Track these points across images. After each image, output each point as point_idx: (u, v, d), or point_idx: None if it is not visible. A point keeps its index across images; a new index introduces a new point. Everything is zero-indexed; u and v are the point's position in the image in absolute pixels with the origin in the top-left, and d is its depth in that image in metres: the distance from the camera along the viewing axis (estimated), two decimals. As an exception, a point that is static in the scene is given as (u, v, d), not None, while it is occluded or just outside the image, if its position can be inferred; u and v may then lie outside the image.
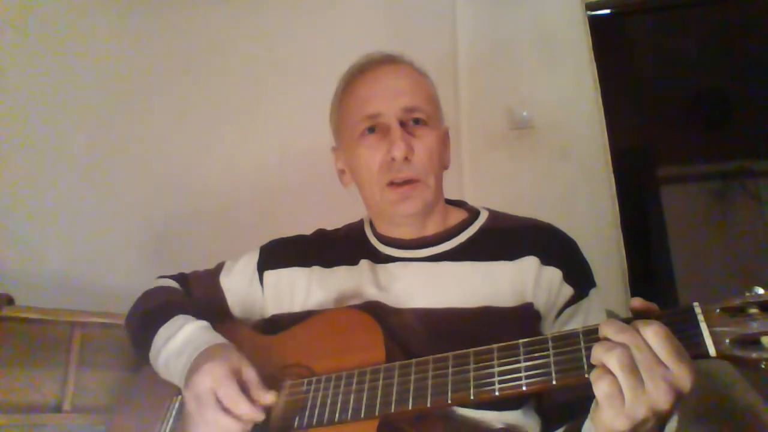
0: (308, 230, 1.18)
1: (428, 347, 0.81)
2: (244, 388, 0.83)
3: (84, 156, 2.06)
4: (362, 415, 0.78)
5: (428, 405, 0.74)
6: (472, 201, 1.13)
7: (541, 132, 2.02)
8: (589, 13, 2.12)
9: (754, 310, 0.61)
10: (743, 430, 1.08)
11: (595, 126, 2.00)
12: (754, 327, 0.60)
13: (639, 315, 0.66)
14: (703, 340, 0.61)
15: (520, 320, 0.91)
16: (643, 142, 3.47)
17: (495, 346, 0.73)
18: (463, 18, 2.15)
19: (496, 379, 0.71)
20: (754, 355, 0.59)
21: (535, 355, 0.70)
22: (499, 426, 0.87)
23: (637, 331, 0.62)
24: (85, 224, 1.99)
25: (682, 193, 3.53)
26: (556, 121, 2.02)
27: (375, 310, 0.94)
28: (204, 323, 0.97)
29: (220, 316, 1.08)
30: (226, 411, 0.81)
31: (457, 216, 1.06)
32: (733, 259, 3.14)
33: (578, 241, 1.01)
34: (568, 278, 0.94)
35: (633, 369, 0.60)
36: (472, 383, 0.72)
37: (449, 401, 0.73)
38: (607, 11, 2.20)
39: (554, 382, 0.67)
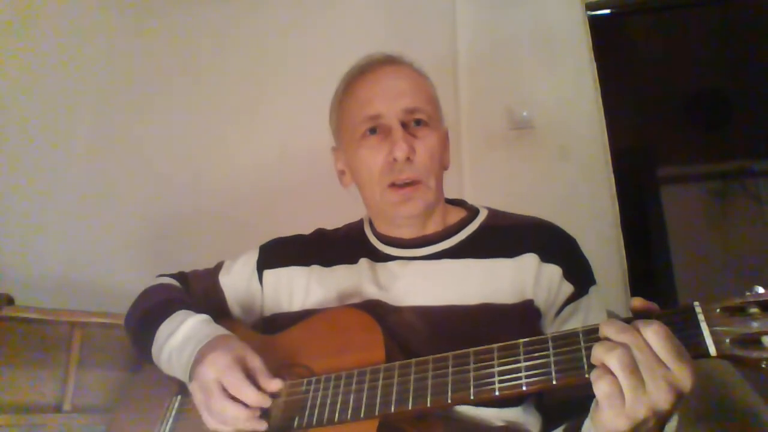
0: (308, 230, 1.18)
1: (428, 345, 0.81)
2: (249, 376, 0.83)
3: (84, 156, 2.07)
4: (362, 415, 0.78)
5: (428, 405, 0.74)
6: (472, 201, 1.13)
7: (541, 132, 2.02)
8: (589, 13, 2.12)
9: (754, 310, 0.61)
10: (743, 430, 1.08)
11: (595, 126, 2.00)
12: (755, 326, 0.60)
13: (639, 315, 0.65)
14: (704, 339, 0.61)
15: (521, 317, 0.91)
16: (643, 142, 3.47)
17: (495, 345, 0.73)
18: (463, 18, 2.15)
19: (496, 378, 0.71)
20: (755, 354, 0.59)
21: (535, 354, 0.70)
22: (500, 423, 0.87)
23: (638, 331, 0.61)
24: (85, 224, 1.99)
25: (682, 193, 3.53)
26: (556, 121, 2.02)
27: (375, 308, 0.94)
28: (205, 316, 0.97)
29: (219, 316, 1.07)
30: (233, 399, 0.81)
31: (457, 214, 1.07)
32: (733, 259, 3.15)
33: (578, 241, 1.01)
34: (568, 275, 0.94)
35: (634, 369, 0.59)
36: (472, 383, 0.72)
37: (449, 401, 0.73)
38: (607, 11, 2.20)
39: (554, 382, 0.67)
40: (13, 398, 1.36)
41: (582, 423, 0.75)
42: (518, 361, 0.70)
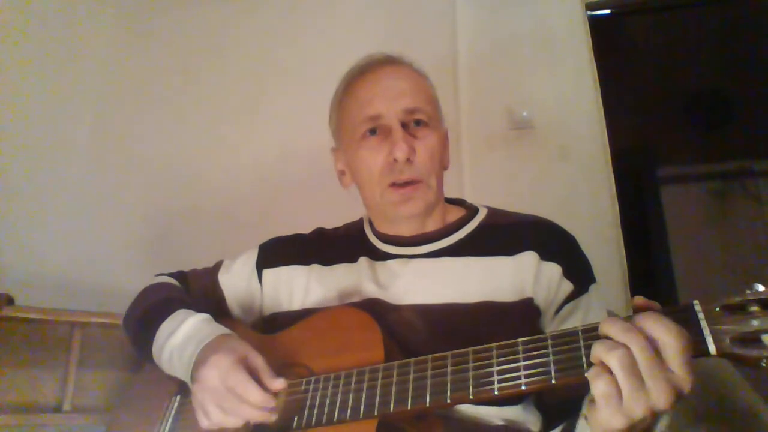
0: (308, 229, 1.18)
1: (428, 344, 0.81)
2: (253, 376, 0.83)
3: (84, 156, 2.07)
4: (361, 415, 0.78)
5: (427, 404, 0.74)
6: (471, 201, 1.13)
7: (541, 132, 2.02)
8: (589, 13, 2.12)
9: (754, 308, 0.60)
10: (743, 430, 1.08)
11: (595, 126, 2.00)
12: (755, 325, 0.59)
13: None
14: (704, 338, 0.61)
15: (520, 315, 0.91)
16: (643, 142, 3.47)
17: (494, 344, 0.73)
18: (463, 18, 2.15)
19: (496, 378, 0.71)
20: (755, 353, 0.58)
21: (535, 353, 0.70)
22: (500, 422, 0.87)
23: (640, 330, 0.61)
24: (85, 224, 1.99)
25: (682, 193, 3.53)
26: (556, 121, 2.02)
27: (374, 307, 0.94)
28: (205, 315, 0.97)
29: (218, 315, 1.07)
30: (240, 399, 0.81)
31: (456, 213, 1.07)
32: (733, 259, 3.14)
33: (578, 241, 1.00)
34: (567, 274, 0.93)
35: (634, 370, 0.59)
36: (471, 382, 0.72)
37: (448, 401, 0.73)
38: (607, 11, 2.20)
39: (554, 381, 0.67)
40: (13, 398, 1.36)
41: (575, 422, 0.75)
42: (517, 360, 0.70)
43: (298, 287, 1.06)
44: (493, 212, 1.07)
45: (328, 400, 0.81)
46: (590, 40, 2.07)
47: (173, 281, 1.14)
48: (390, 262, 1.02)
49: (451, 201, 1.11)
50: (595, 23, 2.12)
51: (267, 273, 1.10)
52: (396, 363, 0.80)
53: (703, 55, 3.25)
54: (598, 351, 0.62)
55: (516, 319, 0.91)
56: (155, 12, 2.29)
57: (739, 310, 0.61)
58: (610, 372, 0.60)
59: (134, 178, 2.12)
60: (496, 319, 0.91)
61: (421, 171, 0.97)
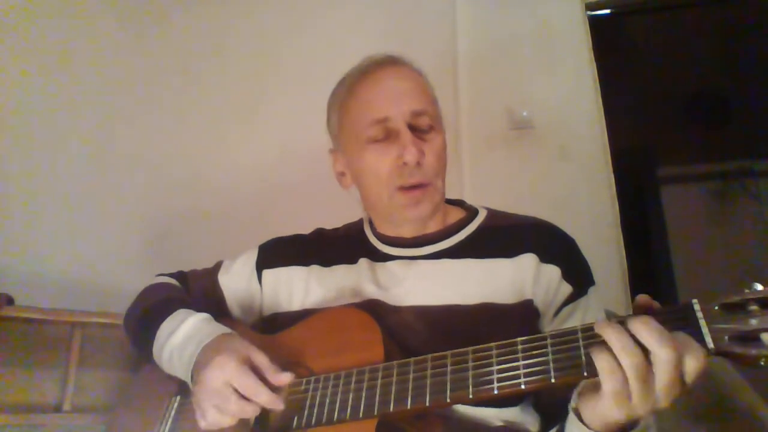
0: (307, 229, 1.18)
1: (427, 345, 0.81)
2: (257, 374, 0.83)
3: (84, 156, 2.06)
4: (361, 415, 0.78)
5: (427, 404, 0.74)
6: (471, 201, 1.13)
7: (541, 132, 2.02)
8: (589, 13, 2.12)
9: (753, 307, 0.61)
10: (743, 430, 1.08)
11: (595, 126, 2.00)
12: (754, 324, 0.60)
13: (640, 312, 0.66)
14: (703, 337, 0.61)
15: (520, 317, 0.91)
16: (643, 142, 3.47)
17: (493, 344, 0.73)
18: (463, 18, 2.15)
19: (495, 377, 0.71)
20: (754, 351, 0.59)
21: (534, 353, 0.70)
22: (499, 423, 0.88)
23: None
24: (85, 224, 1.99)
25: (682, 193, 3.54)
26: (556, 121, 2.02)
27: (374, 308, 0.94)
28: (205, 315, 0.97)
29: (218, 315, 1.07)
30: (248, 400, 0.81)
31: (456, 215, 1.07)
32: (733, 259, 3.15)
33: (578, 241, 1.00)
34: (566, 276, 0.94)
35: (647, 378, 0.60)
36: (470, 382, 0.72)
37: (448, 400, 0.73)
38: (607, 11, 2.20)
39: (553, 380, 0.67)
40: (13, 398, 1.36)
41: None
42: (517, 360, 0.70)
43: (298, 288, 1.06)
44: (492, 214, 1.07)
45: (328, 400, 0.82)
46: (590, 40, 2.07)
47: (173, 281, 1.14)
48: (390, 264, 1.02)
49: (450, 202, 1.11)
50: (595, 23, 2.12)
51: (267, 273, 1.10)
52: (396, 363, 0.80)
53: (703, 55, 3.24)
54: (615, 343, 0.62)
55: (515, 320, 0.91)
56: (155, 12, 2.29)
57: (738, 309, 0.61)
58: (622, 371, 0.61)
59: (134, 178, 2.12)
60: (496, 320, 0.91)
61: (429, 174, 0.97)
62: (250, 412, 0.81)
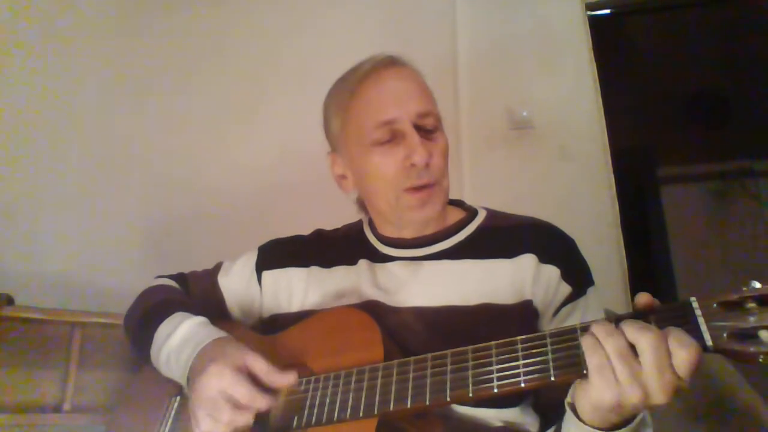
0: (307, 230, 1.18)
1: (427, 346, 0.81)
2: (254, 379, 0.83)
3: (84, 156, 2.06)
4: (361, 414, 0.78)
5: (427, 403, 0.74)
6: (471, 201, 1.13)
7: (541, 132, 2.02)
8: (589, 13, 2.12)
9: (751, 305, 0.61)
10: (743, 429, 1.08)
11: (595, 126, 2.00)
12: (752, 321, 0.60)
13: (640, 311, 0.66)
14: (701, 334, 0.62)
15: (520, 318, 0.91)
16: (643, 142, 3.48)
17: (493, 343, 0.73)
18: (463, 18, 2.15)
19: (495, 376, 0.71)
20: (752, 348, 0.59)
21: (534, 351, 0.70)
22: (499, 424, 0.88)
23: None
24: (85, 224, 1.99)
25: (682, 193, 3.54)
26: (556, 121, 2.02)
27: (373, 309, 0.94)
28: (202, 318, 0.97)
29: (218, 317, 1.08)
30: (244, 408, 0.80)
31: (456, 215, 1.06)
32: (733, 259, 3.15)
33: (578, 241, 1.00)
34: (566, 276, 0.94)
35: (629, 358, 0.62)
36: (470, 381, 0.72)
37: (448, 399, 0.73)
38: (607, 11, 2.20)
39: (553, 379, 0.67)
40: (13, 398, 1.36)
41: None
42: (516, 359, 0.70)
43: (297, 289, 1.06)
44: (492, 214, 1.07)
45: (328, 400, 0.82)
46: (590, 40, 2.07)
47: (173, 283, 1.14)
48: (390, 265, 1.02)
49: (450, 202, 1.10)
50: (595, 23, 2.12)
51: (266, 275, 1.10)
52: (396, 362, 0.80)
53: (703, 55, 3.25)
54: (598, 332, 0.65)
55: (515, 321, 0.91)
56: (155, 12, 2.29)
57: (736, 306, 0.62)
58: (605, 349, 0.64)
59: (134, 179, 2.12)
60: (495, 321, 0.91)
61: (436, 174, 0.97)
62: (243, 422, 0.80)
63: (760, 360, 0.59)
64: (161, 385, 1.01)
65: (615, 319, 0.66)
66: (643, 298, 0.67)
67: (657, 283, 3.27)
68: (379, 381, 0.79)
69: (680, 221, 3.43)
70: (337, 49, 1.72)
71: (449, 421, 0.85)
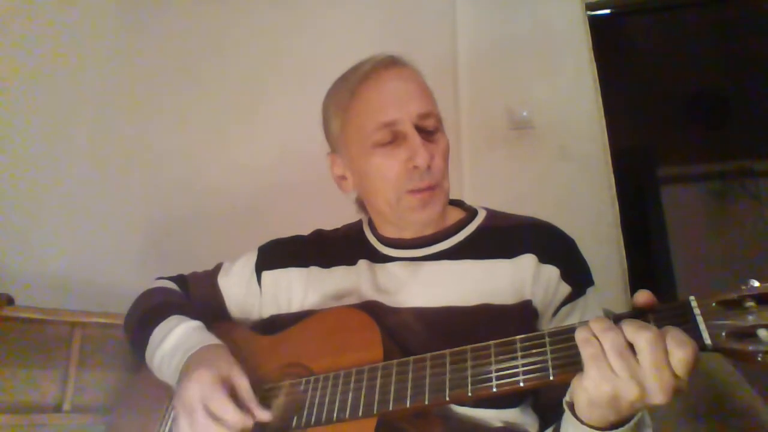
0: (307, 230, 1.18)
1: (427, 346, 0.81)
2: (233, 395, 0.83)
3: (84, 156, 2.07)
4: (360, 414, 0.78)
5: (426, 402, 0.74)
6: (471, 201, 1.13)
7: (541, 132, 2.02)
8: (589, 13, 2.12)
9: (750, 303, 0.61)
10: (742, 429, 1.08)
11: (595, 126, 1.99)
12: (751, 320, 0.60)
13: (639, 310, 0.66)
14: (700, 333, 0.62)
15: (519, 318, 0.91)
16: (643, 142, 3.48)
17: (492, 342, 0.74)
18: (463, 18, 2.15)
19: (494, 375, 0.71)
20: (751, 347, 0.59)
21: (533, 351, 0.70)
22: (498, 424, 0.88)
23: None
24: (85, 224, 1.99)
25: (682, 193, 3.54)
26: (556, 121, 2.02)
27: (373, 309, 0.94)
28: (197, 323, 0.97)
29: (218, 317, 1.08)
30: (216, 419, 0.80)
31: (455, 215, 1.06)
32: (733, 259, 3.14)
33: (578, 241, 1.00)
34: (565, 276, 0.93)
35: (623, 351, 0.63)
36: (469, 380, 0.72)
37: (447, 398, 0.73)
38: (607, 11, 2.20)
39: (551, 378, 0.67)
40: (13, 398, 1.36)
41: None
42: (515, 358, 0.71)
43: (297, 289, 1.06)
44: (491, 214, 1.07)
45: (327, 400, 0.82)
46: (590, 40, 2.07)
47: (173, 285, 1.14)
48: (389, 265, 1.02)
49: (450, 202, 1.10)
50: (595, 23, 2.12)
51: (266, 275, 1.10)
52: (395, 362, 0.80)
53: (703, 55, 3.25)
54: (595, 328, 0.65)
55: (515, 321, 0.91)
56: (155, 12, 2.29)
57: (734, 305, 0.62)
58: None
59: (134, 179, 2.12)
60: (495, 321, 0.91)
61: (438, 175, 0.97)
62: None
63: (759, 359, 0.59)
64: (161, 385, 1.01)
65: (614, 319, 0.66)
66: (642, 296, 0.67)
67: (657, 283, 3.26)
68: (378, 381, 0.79)
69: (680, 221, 3.42)
70: (337, 49, 1.72)
71: (449, 422, 0.85)
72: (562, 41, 2.09)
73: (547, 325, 0.93)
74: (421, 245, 1.02)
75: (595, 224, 1.89)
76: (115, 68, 2.20)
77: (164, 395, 1.01)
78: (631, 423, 0.68)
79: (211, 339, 0.94)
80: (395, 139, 0.96)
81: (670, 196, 3.52)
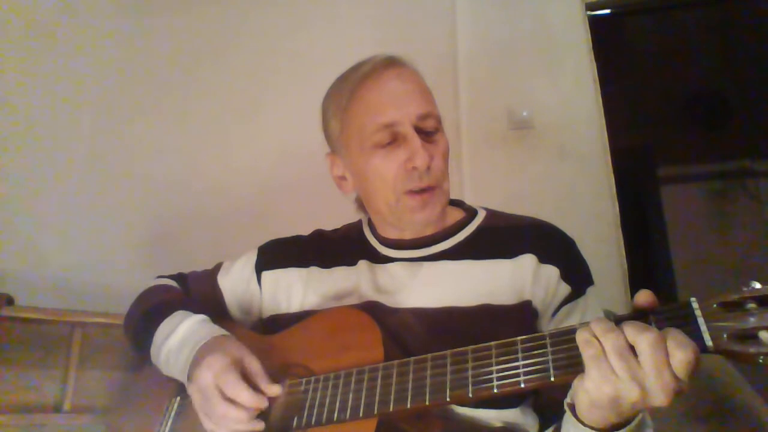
0: (307, 231, 1.18)
1: (427, 346, 0.81)
2: (246, 378, 0.83)
3: (84, 156, 2.07)
4: (361, 414, 0.78)
5: (427, 403, 0.74)
6: (471, 201, 1.13)
7: (541, 132, 2.02)
8: (589, 13, 2.12)
9: (751, 305, 0.61)
10: (743, 430, 1.08)
11: (595, 126, 2.00)
12: (752, 321, 0.60)
13: (639, 310, 0.66)
14: (701, 335, 0.61)
15: (519, 318, 0.91)
16: (643, 142, 3.48)
17: (493, 343, 0.73)
18: (463, 18, 2.15)
19: (495, 376, 0.71)
20: (752, 349, 0.59)
21: (534, 352, 0.70)
22: (499, 424, 0.88)
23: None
24: (85, 224, 1.99)
25: (682, 193, 3.54)
26: (556, 121, 2.02)
27: (373, 310, 0.94)
28: (203, 317, 0.97)
29: (218, 317, 1.07)
30: (232, 401, 0.81)
31: (455, 215, 1.06)
32: (733, 259, 3.14)
33: (578, 241, 1.00)
34: (565, 276, 0.93)
35: (624, 353, 0.63)
36: (470, 381, 0.72)
37: (448, 399, 0.73)
38: (607, 11, 2.20)
39: (552, 379, 0.67)
40: (13, 398, 1.36)
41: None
42: (516, 359, 0.70)
43: (297, 289, 1.06)
44: (491, 214, 1.07)
45: (327, 400, 0.82)
46: (590, 40, 2.07)
47: (173, 283, 1.14)
48: (389, 266, 1.02)
49: (450, 202, 1.10)
50: (595, 23, 2.12)
51: (266, 275, 1.10)
52: (395, 362, 0.80)
53: (703, 55, 3.25)
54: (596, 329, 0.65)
55: (515, 321, 0.91)
56: (155, 12, 2.29)
57: (736, 307, 0.62)
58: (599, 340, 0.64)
59: (134, 179, 2.12)
60: (495, 322, 0.91)
61: (437, 176, 0.96)
62: (235, 418, 0.81)
63: (760, 361, 0.59)
64: (161, 385, 1.01)
65: (615, 320, 0.66)
66: (643, 295, 0.67)
67: (657, 283, 3.26)
68: (378, 381, 0.79)
69: (680, 221, 3.42)
70: (336, 49, 1.72)
71: (449, 422, 0.85)
72: (562, 41, 2.09)
73: (546, 325, 0.93)
74: (421, 246, 1.02)
75: (595, 224, 1.90)
76: (115, 68, 2.20)
77: (164, 395, 1.01)
78: (632, 424, 0.68)
79: (219, 330, 0.94)
80: (395, 139, 0.95)
81: (669, 196, 3.52)
